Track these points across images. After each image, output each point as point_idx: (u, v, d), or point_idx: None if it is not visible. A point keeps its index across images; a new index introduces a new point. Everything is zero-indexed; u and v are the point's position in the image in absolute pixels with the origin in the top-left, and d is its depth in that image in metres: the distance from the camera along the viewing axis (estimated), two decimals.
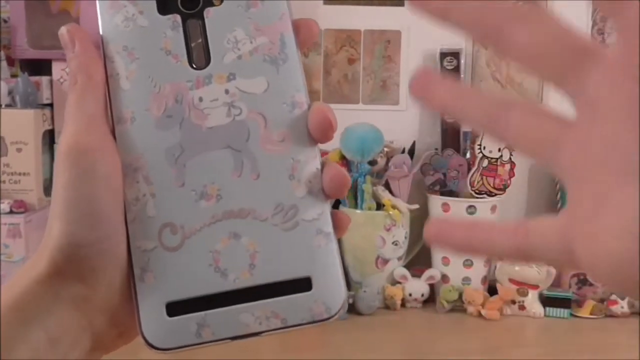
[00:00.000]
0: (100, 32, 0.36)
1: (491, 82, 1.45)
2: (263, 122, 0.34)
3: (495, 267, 1.30)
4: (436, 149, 1.40)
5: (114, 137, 0.34)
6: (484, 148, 1.30)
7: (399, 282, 1.29)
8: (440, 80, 0.28)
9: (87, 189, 0.33)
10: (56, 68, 1.24)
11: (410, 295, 1.27)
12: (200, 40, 0.35)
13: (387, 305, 1.27)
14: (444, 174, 1.34)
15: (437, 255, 1.33)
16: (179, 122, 0.34)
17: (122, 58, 0.35)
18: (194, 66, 0.35)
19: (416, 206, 1.31)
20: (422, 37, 1.42)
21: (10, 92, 1.20)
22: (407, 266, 1.31)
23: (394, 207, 1.27)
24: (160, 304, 0.33)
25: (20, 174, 1.18)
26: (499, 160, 1.30)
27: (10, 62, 1.28)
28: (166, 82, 0.35)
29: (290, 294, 0.33)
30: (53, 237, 0.33)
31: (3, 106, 1.19)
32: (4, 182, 1.18)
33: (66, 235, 0.33)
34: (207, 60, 0.35)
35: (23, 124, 1.18)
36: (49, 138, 1.25)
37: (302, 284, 0.33)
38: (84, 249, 0.33)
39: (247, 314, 0.33)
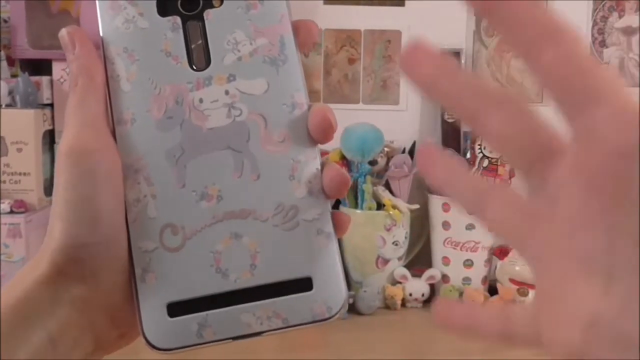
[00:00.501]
0: (101, 34, 0.36)
1: (491, 82, 1.44)
2: (263, 123, 0.35)
3: (496, 267, 1.30)
4: None
5: (115, 138, 0.34)
6: (485, 148, 1.30)
7: (399, 282, 1.29)
8: (440, 157, 0.30)
9: (88, 189, 0.33)
10: (56, 68, 1.24)
11: (410, 295, 1.27)
12: (200, 42, 0.35)
13: (388, 305, 1.27)
14: None
15: (437, 255, 1.33)
16: (179, 123, 0.35)
17: (122, 60, 0.35)
18: (194, 68, 0.35)
19: (416, 206, 1.31)
20: (422, 37, 1.42)
21: (10, 92, 1.20)
22: (408, 266, 1.31)
23: (394, 207, 1.27)
24: (161, 305, 0.33)
25: (20, 174, 1.18)
26: (499, 160, 1.30)
27: (11, 62, 1.28)
28: (166, 84, 0.35)
29: (291, 294, 0.33)
30: (54, 238, 0.33)
31: (3, 106, 1.19)
32: (4, 182, 1.18)
33: (67, 236, 0.33)
34: (207, 62, 0.35)
35: (23, 124, 1.18)
36: (49, 138, 1.25)
37: (303, 284, 0.34)
38: (85, 249, 0.33)
39: (249, 314, 0.33)
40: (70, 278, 0.33)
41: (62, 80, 1.24)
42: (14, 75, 1.26)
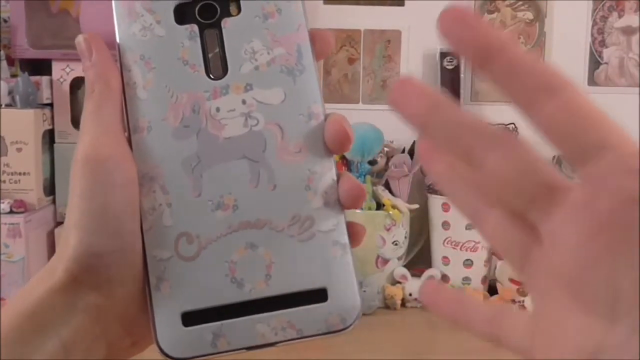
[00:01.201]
0: (117, 40, 0.36)
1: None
2: (280, 133, 0.34)
3: (496, 267, 1.30)
4: None
5: (130, 146, 0.34)
6: None
7: (399, 282, 1.29)
8: (442, 158, 0.30)
9: (104, 198, 0.33)
10: (56, 68, 1.24)
11: (410, 295, 1.27)
12: (217, 51, 0.35)
13: (387, 305, 1.27)
14: None
15: (437, 255, 1.33)
16: (195, 132, 0.34)
17: (139, 67, 0.35)
18: (211, 76, 0.35)
19: (416, 206, 1.31)
20: (422, 37, 1.42)
21: (10, 92, 1.20)
22: (407, 266, 1.31)
23: (394, 206, 1.27)
24: (175, 314, 0.33)
25: (20, 173, 1.18)
26: None
27: (10, 61, 1.28)
28: (183, 92, 0.35)
29: (306, 305, 0.33)
30: (70, 246, 0.33)
31: (3, 106, 1.19)
32: (4, 181, 1.18)
33: (84, 244, 0.33)
34: (225, 71, 0.35)
35: (23, 124, 1.18)
36: (49, 138, 1.24)
37: (318, 295, 0.34)
38: (101, 258, 0.33)
39: (263, 324, 0.33)
40: (85, 286, 0.33)
41: (61, 80, 1.24)
42: (13, 75, 1.26)
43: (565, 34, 1.44)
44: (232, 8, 0.36)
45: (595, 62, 1.44)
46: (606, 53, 1.44)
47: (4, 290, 1.13)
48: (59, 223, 1.23)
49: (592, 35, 1.44)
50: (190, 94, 0.35)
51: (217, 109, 0.35)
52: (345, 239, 0.34)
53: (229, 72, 0.35)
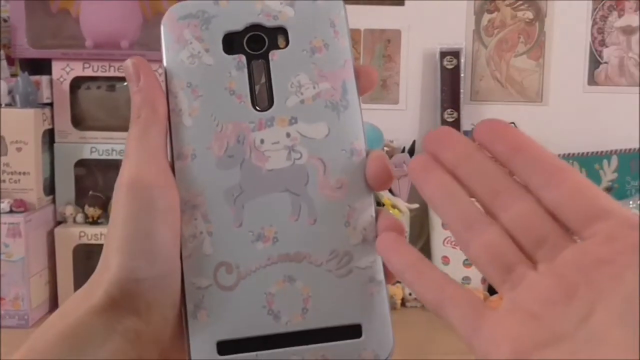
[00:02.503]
0: (164, 66, 0.36)
1: (491, 81, 1.44)
2: (322, 168, 0.35)
3: None
4: None
5: (173, 172, 0.35)
6: None
7: (399, 282, 1.29)
8: (435, 177, 0.31)
9: (147, 224, 0.33)
10: (56, 67, 1.24)
11: (410, 294, 1.27)
12: (264, 82, 0.35)
13: None
14: None
15: (437, 255, 1.33)
16: (239, 163, 0.35)
17: (185, 94, 0.35)
18: (257, 108, 0.35)
19: (416, 205, 1.31)
20: (422, 37, 1.42)
21: (10, 92, 1.20)
22: None
23: (393, 206, 1.27)
24: (211, 342, 0.33)
25: (20, 173, 1.18)
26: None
27: (10, 61, 1.28)
28: (229, 122, 0.35)
29: (341, 340, 0.33)
30: (110, 270, 0.33)
31: (3, 105, 1.19)
32: (4, 181, 1.17)
33: (125, 269, 0.33)
34: (270, 103, 0.35)
35: (23, 124, 1.18)
36: (49, 137, 1.24)
37: (353, 331, 0.34)
38: (141, 283, 0.33)
39: (298, 357, 0.33)
40: (123, 310, 0.33)
41: (61, 79, 1.24)
42: (13, 75, 1.26)
43: (565, 34, 1.44)
44: (280, 40, 0.36)
45: (595, 61, 1.44)
46: (606, 53, 1.44)
47: (4, 290, 1.13)
48: (59, 223, 1.23)
49: (592, 34, 1.43)
50: (236, 124, 0.35)
51: (262, 141, 0.35)
52: (381, 276, 0.34)
53: (274, 104, 0.35)
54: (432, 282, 0.30)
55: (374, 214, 0.35)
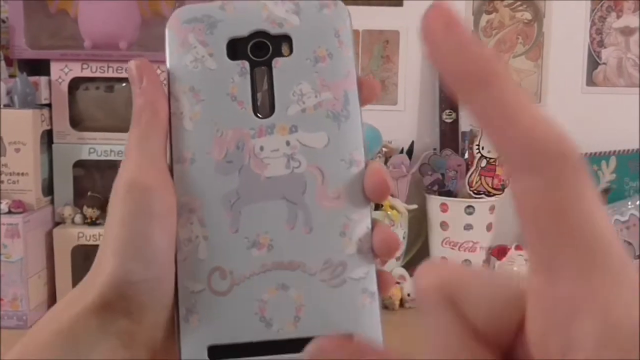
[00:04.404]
0: (168, 68, 0.36)
1: None
2: (320, 177, 0.35)
3: (494, 267, 1.30)
4: (435, 149, 1.40)
5: (171, 175, 0.35)
6: (483, 148, 1.30)
7: (398, 282, 1.29)
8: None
9: (144, 226, 0.33)
10: (54, 68, 1.24)
11: (409, 295, 1.27)
12: (266, 89, 0.35)
13: (386, 306, 1.27)
14: (443, 174, 1.34)
15: (435, 255, 1.33)
16: (238, 169, 0.35)
17: (187, 98, 0.35)
18: (258, 115, 0.35)
19: (415, 206, 1.31)
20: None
21: (8, 92, 1.20)
22: (406, 266, 1.31)
23: (392, 207, 1.27)
24: (202, 346, 0.33)
25: (18, 174, 1.18)
26: (497, 160, 1.30)
27: (9, 62, 1.28)
28: (229, 128, 0.35)
29: None
30: (105, 271, 0.33)
31: (1, 106, 1.19)
32: (3, 182, 1.17)
33: (120, 271, 0.33)
34: (271, 110, 0.35)
35: (21, 124, 1.17)
36: (47, 138, 1.24)
37: None
38: (135, 285, 0.33)
39: None
40: (116, 312, 0.33)
41: (60, 80, 1.24)
42: (12, 76, 1.26)
43: (563, 34, 1.44)
44: (284, 48, 0.36)
45: (593, 62, 1.44)
46: (604, 53, 1.44)
47: (3, 290, 1.13)
48: (57, 223, 1.23)
49: (590, 35, 1.44)
50: (236, 130, 0.35)
51: (261, 148, 0.35)
52: (374, 287, 0.34)
53: (275, 112, 0.35)
54: None
55: (370, 226, 0.35)
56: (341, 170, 0.35)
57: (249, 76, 0.35)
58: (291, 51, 0.36)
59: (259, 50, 0.35)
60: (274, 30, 0.36)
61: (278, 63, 0.35)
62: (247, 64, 0.35)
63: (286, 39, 0.36)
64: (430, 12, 0.21)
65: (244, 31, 0.36)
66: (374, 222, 0.35)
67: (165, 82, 0.36)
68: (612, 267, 0.19)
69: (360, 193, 0.35)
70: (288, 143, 0.35)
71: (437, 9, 0.21)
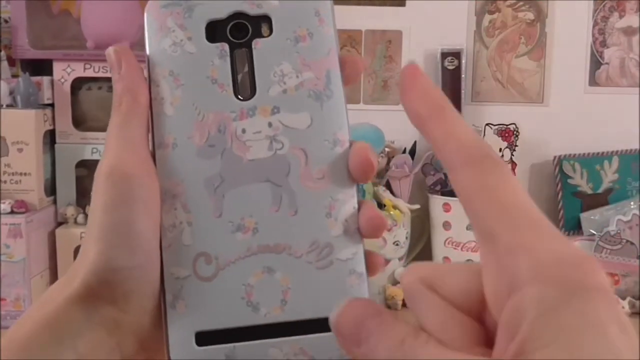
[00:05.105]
0: (147, 54, 0.35)
1: (492, 82, 1.44)
2: (304, 158, 0.34)
3: None
4: None
5: (154, 161, 0.34)
6: None
7: (398, 282, 1.29)
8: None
9: (126, 213, 0.33)
10: (57, 68, 1.24)
11: None
12: (246, 71, 0.35)
13: (388, 306, 1.27)
14: (445, 174, 1.34)
15: (438, 256, 1.33)
16: (220, 152, 0.34)
17: (167, 83, 0.35)
18: (239, 97, 0.35)
19: (417, 206, 1.31)
20: (423, 37, 1.42)
21: (11, 92, 1.20)
22: None
23: (395, 207, 1.27)
24: (189, 333, 0.33)
25: (21, 174, 1.18)
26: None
27: (11, 62, 1.28)
28: (210, 111, 0.34)
29: (320, 332, 0.33)
30: (89, 259, 0.33)
31: (4, 106, 1.19)
32: (5, 182, 1.18)
33: (103, 258, 0.32)
34: (253, 92, 0.35)
35: (24, 124, 1.18)
36: (50, 138, 1.25)
37: None
38: (119, 272, 0.33)
39: (276, 349, 0.33)
40: (101, 299, 0.33)
41: (62, 80, 1.24)
42: (14, 76, 1.26)
43: (566, 35, 1.44)
44: (264, 29, 0.35)
45: (596, 62, 1.44)
46: (607, 53, 1.44)
47: (4, 290, 1.13)
48: (60, 223, 1.23)
49: (593, 35, 1.43)
50: (217, 114, 0.34)
51: (243, 130, 0.34)
52: (362, 268, 0.34)
53: (257, 93, 0.35)
54: None
55: (356, 206, 0.34)
56: (325, 150, 0.34)
57: (228, 58, 0.35)
58: (271, 31, 0.35)
59: (238, 31, 0.35)
60: (252, 10, 0.35)
61: (258, 44, 0.35)
62: (226, 46, 0.35)
63: (266, 19, 0.35)
64: (404, 69, 0.30)
65: (222, 13, 0.35)
66: (360, 202, 0.35)
67: (145, 67, 0.35)
68: (534, 224, 0.25)
69: (345, 173, 0.34)
70: (270, 124, 0.34)
71: (410, 67, 0.31)
